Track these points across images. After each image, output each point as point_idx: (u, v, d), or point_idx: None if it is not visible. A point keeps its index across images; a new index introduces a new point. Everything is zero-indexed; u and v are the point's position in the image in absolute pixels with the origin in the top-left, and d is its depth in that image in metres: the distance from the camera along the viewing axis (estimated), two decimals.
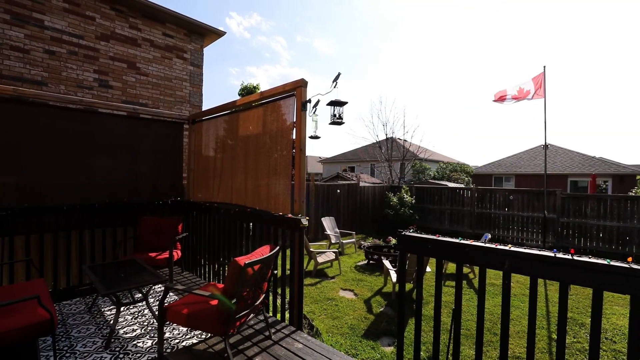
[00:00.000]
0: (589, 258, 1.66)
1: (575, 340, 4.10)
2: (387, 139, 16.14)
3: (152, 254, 3.99)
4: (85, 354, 2.57)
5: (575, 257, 1.68)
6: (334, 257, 6.43)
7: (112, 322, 3.00)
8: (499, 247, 1.93)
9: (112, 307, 3.45)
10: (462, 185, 13.35)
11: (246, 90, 22.48)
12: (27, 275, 3.61)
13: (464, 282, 6.28)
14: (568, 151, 18.97)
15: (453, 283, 6.16)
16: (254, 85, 22.78)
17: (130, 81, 6.02)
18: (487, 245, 1.98)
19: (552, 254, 1.74)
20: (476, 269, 6.86)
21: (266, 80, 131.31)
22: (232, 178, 4.05)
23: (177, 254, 4.20)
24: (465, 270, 6.91)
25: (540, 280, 5.96)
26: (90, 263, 4.14)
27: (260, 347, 2.72)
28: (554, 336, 4.18)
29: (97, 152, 4.22)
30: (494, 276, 6.57)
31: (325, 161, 31.34)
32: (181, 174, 5.12)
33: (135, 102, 6.05)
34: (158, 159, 4.80)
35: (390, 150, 15.26)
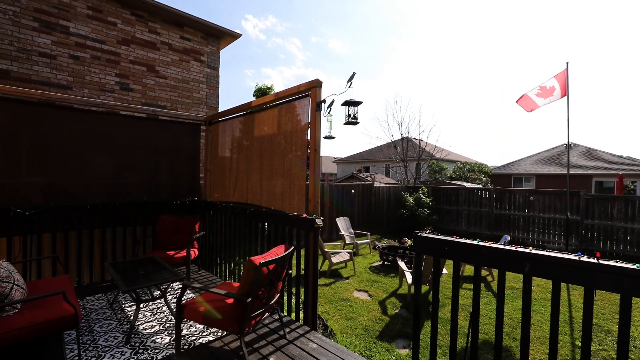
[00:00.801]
0: (617, 262, 1.58)
1: (600, 347, 3.93)
2: (402, 138, 15.95)
3: (170, 252, 4.09)
4: (107, 348, 2.66)
5: (602, 261, 1.61)
6: (349, 258, 6.41)
7: (132, 318, 3.09)
8: (518, 249, 1.87)
9: (132, 303, 3.55)
10: (480, 186, 13.06)
11: (261, 92, 22.72)
12: (54, 271, 3.76)
13: (482, 285, 6.12)
14: (593, 150, 18.21)
15: (470, 286, 6.03)
16: (268, 86, 23.01)
17: (150, 84, 6.19)
18: (507, 247, 1.93)
19: (576, 258, 1.68)
20: (495, 271, 6.69)
21: (281, 81, 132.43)
22: (248, 178, 4.10)
23: (194, 252, 4.28)
24: (484, 272, 6.74)
25: (562, 285, 5.73)
26: (112, 260, 4.28)
27: (274, 346, 2.74)
28: (578, 343, 4.02)
29: (118, 153, 4.37)
30: (514, 279, 6.38)
31: (339, 161, 31.29)
32: (198, 174, 5.23)
33: (154, 104, 6.22)
34: (176, 159, 4.91)
35: (405, 150, 15.07)
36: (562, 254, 1.76)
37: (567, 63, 7.35)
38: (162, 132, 4.80)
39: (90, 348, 2.66)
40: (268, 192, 3.78)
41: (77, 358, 2.50)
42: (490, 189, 11.11)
